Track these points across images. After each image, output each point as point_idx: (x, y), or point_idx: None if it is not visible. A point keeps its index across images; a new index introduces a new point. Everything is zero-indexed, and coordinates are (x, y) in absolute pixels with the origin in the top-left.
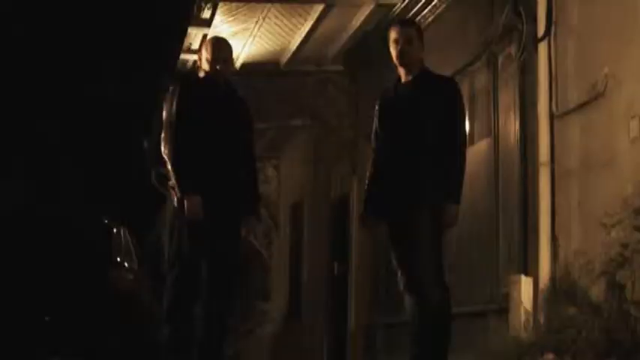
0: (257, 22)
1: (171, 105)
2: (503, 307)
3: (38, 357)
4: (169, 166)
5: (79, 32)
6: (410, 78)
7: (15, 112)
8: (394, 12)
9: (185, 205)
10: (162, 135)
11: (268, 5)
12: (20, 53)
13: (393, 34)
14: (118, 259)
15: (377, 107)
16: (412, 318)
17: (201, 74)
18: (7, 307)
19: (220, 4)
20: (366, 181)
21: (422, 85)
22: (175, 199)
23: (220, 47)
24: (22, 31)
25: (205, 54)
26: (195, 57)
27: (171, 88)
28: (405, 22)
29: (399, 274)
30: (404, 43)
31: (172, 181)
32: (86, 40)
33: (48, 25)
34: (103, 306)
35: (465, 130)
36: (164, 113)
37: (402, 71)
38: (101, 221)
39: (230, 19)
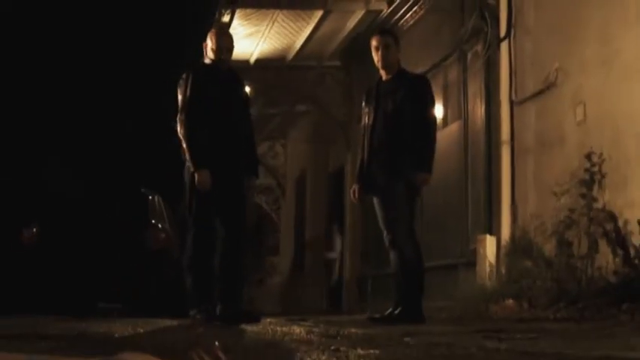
0: (268, 25)
1: (185, 90)
2: (471, 260)
3: (88, 302)
4: (184, 145)
5: (127, 38)
6: (389, 77)
7: (74, 112)
8: (381, 17)
9: (196, 179)
10: (178, 117)
11: (277, 11)
12: (80, 58)
13: (374, 42)
14: (153, 221)
15: (363, 103)
16: (396, 271)
17: (207, 61)
18: (67, 261)
19: (237, 11)
20: (357, 164)
21: (400, 82)
22: (189, 172)
23: (224, 38)
24: (90, 39)
25: (210, 44)
26: None
27: (183, 75)
28: (384, 31)
29: (385, 234)
30: (383, 50)
31: (187, 158)
32: (131, 43)
33: (106, 32)
34: (140, 259)
35: (434, 117)
36: (179, 98)
37: (382, 72)
38: (139, 191)
39: (245, 22)
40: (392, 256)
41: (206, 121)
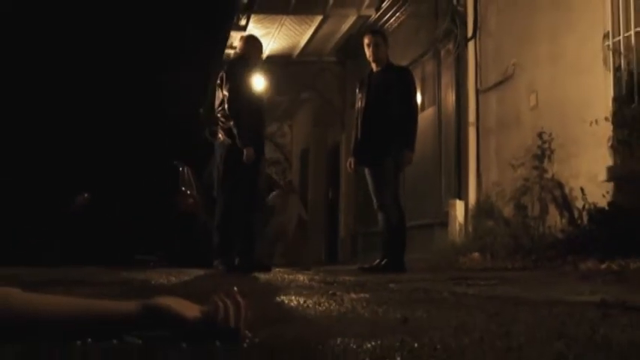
0: (277, 27)
1: (232, 82)
2: (444, 221)
3: (129, 254)
4: (231, 123)
5: (167, 40)
6: (379, 69)
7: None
8: (370, 21)
9: (245, 153)
10: (227, 104)
11: (284, 16)
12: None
13: (365, 40)
14: (183, 188)
15: (357, 90)
16: (383, 229)
17: (241, 59)
18: (112, 221)
19: (252, 16)
20: (352, 141)
21: (388, 74)
22: (224, 148)
23: (259, 44)
24: (129, 39)
25: (247, 47)
26: (234, 52)
27: (225, 69)
28: (374, 31)
29: (374, 199)
30: (373, 46)
31: (236, 135)
32: (167, 43)
33: (150, 30)
34: (171, 220)
35: (417, 103)
36: (225, 87)
37: (373, 65)
38: (171, 163)
39: (259, 25)
40: (379, 217)
41: (246, 108)
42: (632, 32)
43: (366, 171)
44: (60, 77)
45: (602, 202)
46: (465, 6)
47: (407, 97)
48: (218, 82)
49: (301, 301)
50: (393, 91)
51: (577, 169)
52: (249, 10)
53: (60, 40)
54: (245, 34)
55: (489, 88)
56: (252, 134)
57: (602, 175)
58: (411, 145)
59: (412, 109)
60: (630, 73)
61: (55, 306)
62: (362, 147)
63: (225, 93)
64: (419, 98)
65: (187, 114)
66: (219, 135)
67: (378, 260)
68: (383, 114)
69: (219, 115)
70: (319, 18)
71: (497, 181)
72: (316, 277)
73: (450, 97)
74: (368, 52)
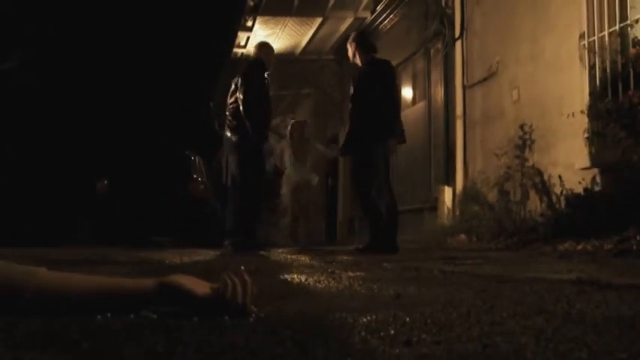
0: (281, 28)
1: (250, 82)
2: (433, 205)
3: (146, 236)
4: (247, 120)
5: (182, 39)
6: (364, 64)
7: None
8: (366, 22)
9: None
10: (242, 106)
11: (288, 18)
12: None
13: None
14: (194, 176)
15: (350, 84)
16: (364, 213)
17: (256, 62)
18: (130, 205)
19: (258, 17)
20: (345, 130)
21: (370, 68)
22: (236, 141)
23: (271, 51)
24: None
25: (261, 52)
26: (241, 51)
27: (242, 74)
28: (351, 35)
29: (357, 186)
30: (348, 47)
31: (250, 130)
32: (182, 42)
33: (166, 33)
34: (184, 205)
35: (397, 93)
36: (243, 88)
37: (358, 62)
38: (184, 153)
39: (264, 26)
40: (359, 203)
41: (258, 108)
42: (605, 33)
43: (355, 158)
44: (81, 76)
45: (579, 189)
46: (452, 8)
47: (388, 87)
48: (233, 87)
49: (303, 278)
50: (375, 84)
51: (555, 158)
52: (255, 12)
53: (89, 40)
54: (251, 34)
55: (475, 84)
56: (263, 130)
57: (579, 164)
58: (395, 133)
59: (394, 99)
60: (604, 71)
61: (78, 283)
62: (348, 136)
63: (240, 96)
64: (410, 93)
65: (199, 108)
66: (227, 132)
67: (367, 242)
68: (365, 105)
69: (227, 113)
70: (319, 20)
71: (482, 169)
72: (317, 257)
73: (439, 92)
74: (347, 52)
